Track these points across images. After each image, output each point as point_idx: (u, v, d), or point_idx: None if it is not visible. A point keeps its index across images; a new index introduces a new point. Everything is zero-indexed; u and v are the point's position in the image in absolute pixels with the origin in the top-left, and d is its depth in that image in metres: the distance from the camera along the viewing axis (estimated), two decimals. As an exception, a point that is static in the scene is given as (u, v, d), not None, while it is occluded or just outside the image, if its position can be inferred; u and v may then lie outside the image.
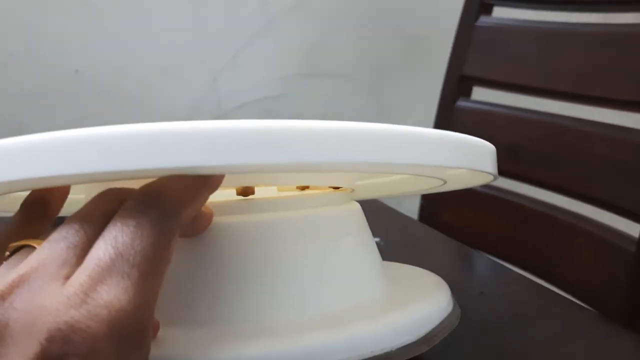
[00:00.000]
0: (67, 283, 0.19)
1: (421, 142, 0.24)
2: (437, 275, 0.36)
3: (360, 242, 0.32)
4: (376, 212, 0.59)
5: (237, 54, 0.90)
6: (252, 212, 0.28)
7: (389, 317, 0.28)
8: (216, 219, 0.27)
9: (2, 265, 0.21)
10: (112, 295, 0.19)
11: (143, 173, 0.22)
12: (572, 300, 0.44)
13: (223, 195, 0.29)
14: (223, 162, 0.20)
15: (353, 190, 0.35)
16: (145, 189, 0.22)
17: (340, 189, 0.33)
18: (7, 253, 0.22)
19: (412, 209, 0.90)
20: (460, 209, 0.83)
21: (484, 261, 0.48)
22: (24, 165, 0.21)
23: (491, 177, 0.32)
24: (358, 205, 0.34)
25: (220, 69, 0.90)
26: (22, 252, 0.22)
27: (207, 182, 0.24)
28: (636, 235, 0.60)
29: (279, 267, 0.28)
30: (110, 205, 0.22)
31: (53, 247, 0.21)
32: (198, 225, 0.27)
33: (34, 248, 0.22)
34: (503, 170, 0.75)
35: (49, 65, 0.82)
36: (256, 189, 0.30)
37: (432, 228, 0.56)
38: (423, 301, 0.30)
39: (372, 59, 1.01)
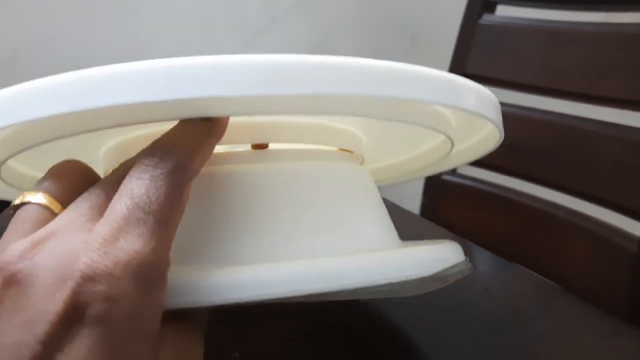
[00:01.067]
0: (90, 234, 0.21)
1: (425, 78, 0.25)
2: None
3: (373, 200, 0.32)
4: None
5: (240, 51, 0.90)
6: (266, 161, 0.28)
7: (404, 251, 0.28)
8: (230, 167, 0.28)
9: (13, 222, 0.23)
10: (131, 241, 0.21)
11: (166, 107, 0.23)
12: (575, 297, 0.44)
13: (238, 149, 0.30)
14: (238, 93, 0.21)
15: (363, 159, 0.35)
16: (156, 144, 0.24)
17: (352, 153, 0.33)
18: (10, 211, 0.24)
19: (413, 207, 0.90)
20: (461, 207, 0.83)
21: (488, 257, 0.48)
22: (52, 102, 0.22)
23: (497, 135, 0.31)
24: (368, 171, 0.34)
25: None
26: (27, 208, 0.23)
27: (214, 129, 0.25)
28: (638, 234, 0.60)
29: (291, 211, 0.27)
30: (127, 170, 0.23)
31: (78, 206, 0.23)
32: None
33: (36, 205, 0.23)
34: (504, 168, 0.77)
35: (51, 61, 0.82)
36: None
37: (435, 224, 0.56)
38: (437, 246, 0.30)
39: (374, 56, 1.00)
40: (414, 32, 1.03)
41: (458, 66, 0.83)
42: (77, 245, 0.20)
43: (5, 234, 0.22)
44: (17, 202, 0.24)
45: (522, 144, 0.75)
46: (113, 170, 0.25)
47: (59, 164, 0.25)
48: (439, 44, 0.91)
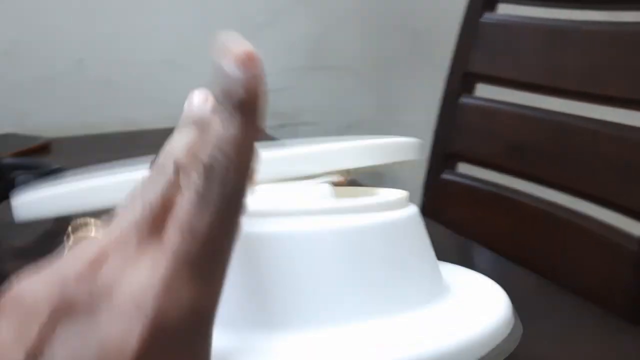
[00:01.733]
0: (153, 266, 0.19)
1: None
2: (497, 285, 0.35)
3: (418, 248, 0.32)
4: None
5: None
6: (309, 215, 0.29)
7: (438, 340, 0.27)
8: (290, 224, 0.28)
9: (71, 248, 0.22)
10: (192, 287, 0.19)
11: None
12: (575, 297, 0.44)
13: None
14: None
15: (349, 172, 0.36)
16: (209, 160, 0.20)
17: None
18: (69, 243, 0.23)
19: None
20: (461, 206, 0.83)
21: (489, 256, 0.48)
22: None
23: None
24: (414, 209, 0.34)
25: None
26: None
27: (252, 123, 0.21)
28: (639, 234, 0.60)
29: (334, 274, 0.28)
30: (170, 179, 0.21)
31: (122, 228, 0.21)
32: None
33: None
34: (504, 167, 0.77)
35: (52, 54, 0.82)
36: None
37: (436, 223, 0.56)
38: (480, 318, 0.30)
39: (375, 53, 1.00)
40: (414, 29, 1.02)
41: (458, 64, 0.82)
42: (139, 279, 0.19)
43: (60, 261, 0.21)
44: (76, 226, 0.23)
45: (522, 143, 0.75)
46: (153, 169, 0.22)
47: None
48: (440, 42, 0.91)
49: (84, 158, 0.69)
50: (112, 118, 0.85)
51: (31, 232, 0.54)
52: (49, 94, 0.82)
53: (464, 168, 0.83)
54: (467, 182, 0.81)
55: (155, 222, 0.21)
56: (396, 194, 0.34)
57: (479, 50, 0.80)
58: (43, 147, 0.78)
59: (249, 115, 0.21)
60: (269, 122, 0.99)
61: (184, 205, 0.20)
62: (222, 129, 0.20)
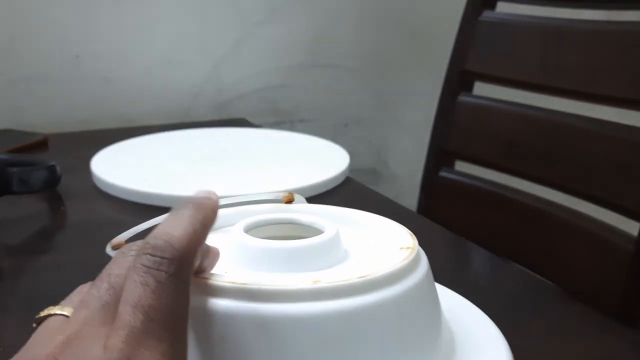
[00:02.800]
0: (107, 348, 0.21)
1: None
2: (496, 328, 0.35)
3: (417, 324, 0.30)
4: (374, 205, 0.59)
5: (239, 42, 0.89)
6: (320, 300, 0.27)
7: None
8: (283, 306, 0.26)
9: (40, 330, 0.24)
10: (148, 356, 0.21)
11: None
12: (568, 296, 0.44)
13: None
14: None
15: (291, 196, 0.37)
16: (154, 241, 0.23)
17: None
18: (34, 324, 0.25)
19: (410, 204, 0.90)
20: (457, 204, 0.83)
21: (483, 255, 0.48)
22: None
23: None
24: (422, 269, 0.31)
25: (222, 56, 0.89)
26: (53, 319, 0.24)
27: (205, 218, 0.26)
28: (634, 233, 0.60)
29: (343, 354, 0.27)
30: (125, 266, 0.24)
31: (90, 308, 0.23)
32: (208, 264, 0.28)
33: (62, 316, 0.24)
34: (501, 166, 0.77)
35: (49, 50, 0.82)
36: None
37: (431, 220, 0.56)
38: None
39: (373, 51, 1.00)
40: (413, 27, 1.02)
41: (457, 62, 0.82)
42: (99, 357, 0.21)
43: (28, 343, 0.23)
44: (42, 314, 0.25)
45: (519, 141, 0.75)
46: (119, 254, 0.25)
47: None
48: (439, 40, 0.91)
49: (81, 154, 0.70)
50: (109, 114, 0.85)
51: (27, 229, 0.54)
52: (46, 90, 0.82)
53: (461, 166, 0.83)
54: (465, 180, 0.81)
55: (116, 304, 0.23)
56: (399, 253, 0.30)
57: (478, 48, 0.79)
58: (40, 143, 0.78)
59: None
60: (266, 119, 0.99)
61: (129, 286, 0.22)
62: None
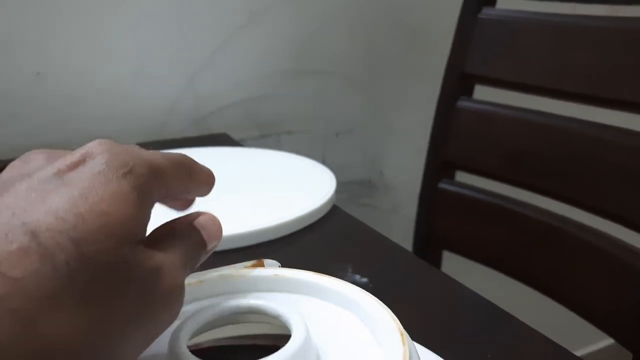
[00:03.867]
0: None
1: None
2: None
3: None
4: (366, 243, 0.52)
5: (217, 50, 0.83)
6: None
7: None
8: None
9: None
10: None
11: None
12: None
13: None
14: None
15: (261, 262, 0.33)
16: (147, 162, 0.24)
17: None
18: None
19: (408, 215, 0.85)
20: (458, 218, 0.80)
21: (490, 310, 0.41)
22: None
23: None
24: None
25: (198, 67, 0.82)
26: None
27: (195, 174, 0.27)
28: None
29: None
30: None
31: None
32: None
33: None
34: (506, 177, 0.72)
35: (5, 68, 0.75)
36: None
37: (428, 263, 0.49)
38: None
39: (366, 54, 0.93)
40: (408, 27, 0.96)
41: (455, 64, 0.77)
42: None
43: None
44: None
45: (524, 150, 0.71)
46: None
47: None
48: (436, 41, 0.85)
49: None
50: (77, 136, 0.78)
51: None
52: (6, 111, 0.75)
53: (462, 177, 0.79)
54: (466, 192, 0.77)
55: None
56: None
57: (478, 49, 0.75)
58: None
59: None
60: (249, 133, 0.92)
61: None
62: None
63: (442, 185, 0.79)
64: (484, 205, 0.75)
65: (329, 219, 0.56)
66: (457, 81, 0.77)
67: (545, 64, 0.69)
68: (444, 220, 0.80)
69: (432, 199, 0.80)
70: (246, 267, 0.31)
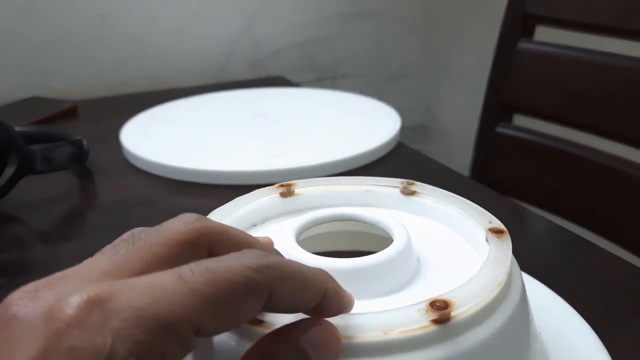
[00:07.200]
0: None
1: None
2: (594, 336, 0.30)
3: (521, 348, 0.25)
4: (424, 170, 0.54)
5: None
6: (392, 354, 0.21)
7: None
8: None
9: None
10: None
11: None
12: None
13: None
14: None
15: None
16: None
17: None
18: None
19: (463, 162, 0.84)
20: (516, 163, 0.78)
21: (568, 237, 0.42)
22: None
23: None
24: (516, 292, 0.25)
25: (256, 10, 0.82)
26: None
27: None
28: None
29: None
30: None
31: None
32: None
33: None
34: (567, 119, 0.71)
35: (73, 10, 0.77)
36: None
37: (487, 187, 0.50)
38: None
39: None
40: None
41: (516, 5, 0.75)
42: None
43: None
44: None
45: (587, 92, 0.70)
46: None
47: None
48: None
49: (111, 123, 0.66)
50: (139, 76, 0.80)
51: (54, 212, 0.50)
52: (72, 53, 0.78)
53: (520, 120, 0.78)
54: (525, 135, 0.76)
55: None
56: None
57: None
58: (69, 111, 0.74)
59: None
60: (306, 76, 0.92)
61: None
62: None
63: (500, 129, 0.78)
64: (544, 148, 0.74)
65: (395, 155, 0.57)
66: (518, 21, 0.75)
67: (611, 1, 0.66)
68: (500, 164, 0.79)
69: (488, 143, 0.79)
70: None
